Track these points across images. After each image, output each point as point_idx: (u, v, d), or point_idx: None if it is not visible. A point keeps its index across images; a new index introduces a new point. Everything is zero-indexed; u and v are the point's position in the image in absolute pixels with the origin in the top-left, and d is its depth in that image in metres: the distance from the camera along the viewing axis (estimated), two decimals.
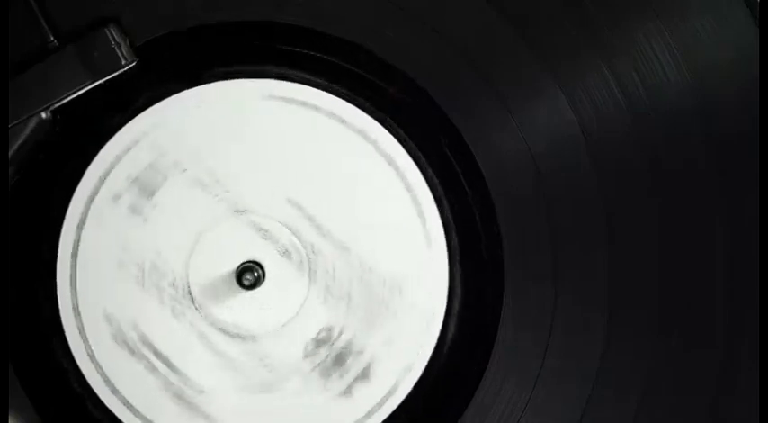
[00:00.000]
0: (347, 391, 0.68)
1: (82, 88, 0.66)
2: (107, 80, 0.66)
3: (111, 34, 0.66)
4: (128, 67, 0.66)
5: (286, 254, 0.68)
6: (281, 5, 0.67)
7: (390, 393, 0.68)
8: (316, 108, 0.67)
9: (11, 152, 0.66)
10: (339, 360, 0.68)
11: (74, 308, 0.69)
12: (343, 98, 0.67)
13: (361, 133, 0.67)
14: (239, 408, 0.69)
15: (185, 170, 0.67)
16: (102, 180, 0.68)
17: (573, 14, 0.66)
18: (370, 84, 0.68)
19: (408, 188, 0.67)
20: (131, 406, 0.69)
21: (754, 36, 0.65)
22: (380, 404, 0.68)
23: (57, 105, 0.66)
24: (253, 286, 0.67)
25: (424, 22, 0.67)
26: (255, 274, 0.67)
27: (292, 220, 0.67)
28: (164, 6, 0.67)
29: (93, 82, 0.66)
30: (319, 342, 0.68)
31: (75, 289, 0.69)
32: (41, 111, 0.66)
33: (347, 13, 0.67)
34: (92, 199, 0.68)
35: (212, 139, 0.67)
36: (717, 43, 0.66)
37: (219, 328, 0.69)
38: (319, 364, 0.68)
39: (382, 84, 0.68)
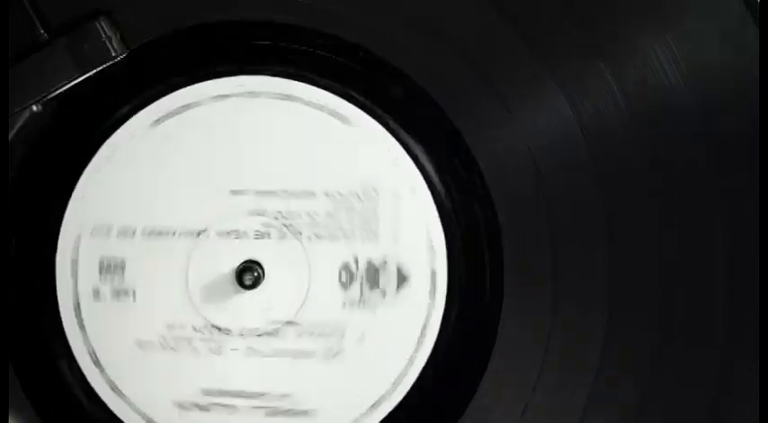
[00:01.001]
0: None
1: (72, 80, 0.66)
2: (97, 72, 0.66)
3: (102, 27, 0.66)
4: (118, 59, 0.66)
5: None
6: (283, 5, 0.67)
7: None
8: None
9: None
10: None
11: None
12: (344, 98, 0.67)
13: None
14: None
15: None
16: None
17: (573, 14, 0.66)
18: (370, 84, 0.68)
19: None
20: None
21: (754, 36, 0.65)
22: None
23: (48, 97, 0.66)
24: (252, 286, 0.67)
25: (424, 22, 0.67)
26: (255, 274, 0.67)
27: None
28: (164, 6, 0.68)
29: (83, 74, 0.66)
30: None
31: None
32: (33, 103, 0.66)
33: (348, 13, 0.67)
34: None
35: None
36: (717, 43, 0.66)
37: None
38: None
39: (382, 84, 0.68)
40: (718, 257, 0.66)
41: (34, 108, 0.67)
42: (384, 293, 0.68)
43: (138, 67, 0.68)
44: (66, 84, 0.66)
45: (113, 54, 0.66)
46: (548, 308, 0.67)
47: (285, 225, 0.68)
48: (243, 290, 0.68)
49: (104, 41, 0.66)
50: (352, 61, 0.68)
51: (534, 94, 0.67)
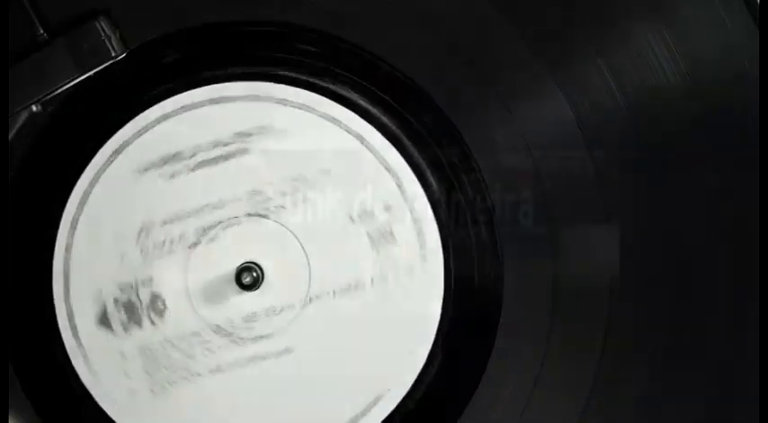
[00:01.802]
0: None
1: (72, 80, 0.66)
2: (97, 72, 0.66)
3: (102, 27, 0.66)
4: (117, 59, 0.66)
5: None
6: (283, 5, 0.67)
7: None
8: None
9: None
10: None
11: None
12: (341, 99, 0.67)
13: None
14: None
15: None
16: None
17: (573, 14, 0.66)
18: (368, 85, 0.68)
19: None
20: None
21: (754, 36, 0.65)
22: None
23: (48, 97, 0.66)
24: (251, 287, 0.67)
25: (424, 22, 0.67)
26: (254, 274, 0.67)
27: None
28: (164, 5, 0.68)
29: (83, 74, 0.66)
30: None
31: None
32: (33, 103, 0.66)
33: (348, 13, 0.67)
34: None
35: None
36: (716, 43, 0.66)
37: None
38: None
39: (381, 85, 0.68)
40: (719, 257, 0.66)
41: (34, 108, 0.67)
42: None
43: (138, 66, 0.68)
44: (67, 84, 0.66)
45: (113, 54, 0.66)
46: (547, 308, 0.67)
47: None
48: (242, 290, 0.68)
49: (104, 41, 0.66)
50: (352, 62, 0.68)
51: (534, 94, 0.67)
